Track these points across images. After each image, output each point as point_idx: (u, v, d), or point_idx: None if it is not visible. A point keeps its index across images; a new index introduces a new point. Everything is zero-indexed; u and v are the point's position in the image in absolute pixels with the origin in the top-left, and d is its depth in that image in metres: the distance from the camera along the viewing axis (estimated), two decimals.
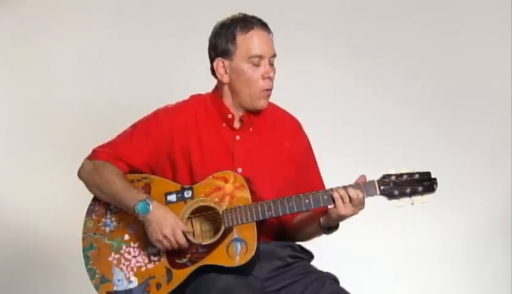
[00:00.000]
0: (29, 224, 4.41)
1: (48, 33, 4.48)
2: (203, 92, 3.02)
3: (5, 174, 4.48)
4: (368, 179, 2.78)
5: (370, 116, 4.55)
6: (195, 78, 4.17)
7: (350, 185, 2.76)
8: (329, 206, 2.80)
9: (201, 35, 4.34)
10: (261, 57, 2.86)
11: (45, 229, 4.39)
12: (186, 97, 3.02)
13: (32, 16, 4.49)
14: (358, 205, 2.76)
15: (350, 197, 2.74)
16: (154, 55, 4.46)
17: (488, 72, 4.52)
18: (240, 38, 2.86)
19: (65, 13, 4.48)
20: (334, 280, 2.84)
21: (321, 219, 2.84)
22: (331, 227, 2.85)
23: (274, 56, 2.90)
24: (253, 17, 2.91)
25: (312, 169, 3.02)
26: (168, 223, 2.77)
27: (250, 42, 2.86)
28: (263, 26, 2.89)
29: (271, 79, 2.88)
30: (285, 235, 2.99)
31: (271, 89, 2.90)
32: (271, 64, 2.89)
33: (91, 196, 2.94)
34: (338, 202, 2.74)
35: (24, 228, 4.42)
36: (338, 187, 2.76)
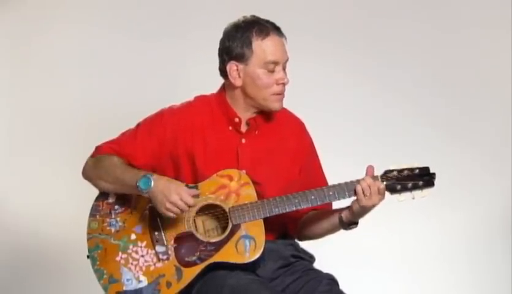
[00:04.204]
0: (29, 227, 4.40)
1: (49, 34, 4.48)
2: (205, 92, 3.01)
3: (5, 175, 4.46)
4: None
5: (370, 116, 4.56)
6: (197, 78, 4.19)
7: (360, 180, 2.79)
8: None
9: (203, 35, 4.38)
10: (276, 63, 2.86)
11: (45, 232, 4.39)
12: (188, 97, 3.01)
13: (32, 16, 4.48)
14: (377, 195, 2.78)
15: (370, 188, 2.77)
16: (156, 55, 4.47)
17: (488, 72, 4.54)
18: (257, 43, 2.85)
19: (66, 13, 4.48)
20: (331, 280, 2.84)
21: (343, 214, 2.86)
22: (351, 223, 2.86)
23: (287, 60, 2.91)
24: (267, 21, 2.90)
25: (316, 170, 3.03)
26: (172, 189, 2.76)
27: (266, 48, 2.85)
28: (278, 30, 2.89)
29: (286, 83, 2.89)
30: (289, 233, 2.99)
31: (283, 92, 2.91)
32: (284, 69, 2.89)
33: (92, 198, 2.92)
34: (360, 195, 2.77)
35: (24, 230, 4.40)
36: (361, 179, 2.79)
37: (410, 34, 4.56)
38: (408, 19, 4.57)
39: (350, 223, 2.87)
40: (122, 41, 4.46)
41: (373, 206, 2.79)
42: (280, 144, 2.95)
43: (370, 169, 2.81)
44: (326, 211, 2.93)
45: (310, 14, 4.55)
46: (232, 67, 2.88)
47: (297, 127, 3.03)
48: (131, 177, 2.80)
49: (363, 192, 2.77)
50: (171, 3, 4.49)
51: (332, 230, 2.94)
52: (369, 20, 4.56)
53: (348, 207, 2.85)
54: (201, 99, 2.99)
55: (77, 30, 4.47)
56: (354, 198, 2.81)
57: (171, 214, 2.77)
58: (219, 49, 2.93)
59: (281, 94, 2.89)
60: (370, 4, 4.57)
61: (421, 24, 4.57)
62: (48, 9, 4.45)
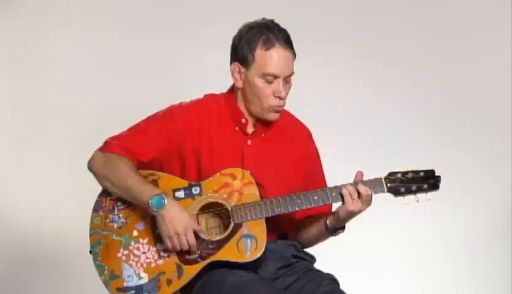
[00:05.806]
0: (29, 226, 4.39)
1: (49, 35, 4.47)
2: (207, 92, 3.01)
3: (6, 175, 4.46)
4: (368, 178, 2.82)
5: (370, 117, 4.56)
6: (198, 79, 4.20)
7: (358, 182, 2.80)
8: (334, 205, 2.85)
9: (205, 36, 4.39)
10: (275, 76, 2.83)
11: (45, 231, 4.38)
12: (189, 97, 3.00)
13: (32, 17, 4.47)
14: (367, 201, 2.80)
15: (359, 193, 2.78)
16: (155, 56, 4.47)
17: (488, 72, 4.54)
18: (259, 52, 2.82)
19: (66, 14, 4.48)
20: (332, 280, 2.84)
21: (328, 220, 2.87)
22: (337, 229, 2.87)
23: (291, 74, 2.86)
24: (280, 31, 2.85)
25: (319, 180, 3.02)
26: (182, 221, 2.75)
27: (268, 60, 2.81)
28: (286, 43, 2.84)
29: (282, 98, 2.85)
30: (287, 237, 3.00)
31: (281, 106, 2.87)
32: (287, 82, 2.86)
33: (92, 197, 2.92)
34: (347, 198, 2.77)
35: (24, 230, 4.40)
36: (346, 184, 2.80)
37: (410, 35, 4.56)
38: (409, 20, 4.57)
39: (335, 229, 2.88)
40: (122, 42, 4.46)
41: (360, 211, 2.80)
42: (285, 150, 2.95)
43: (358, 175, 2.81)
44: (314, 218, 2.94)
45: (310, 15, 4.55)
46: (235, 68, 2.88)
47: (304, 135, 3.02)
48: (144, 192, 2.78)
49: (350, 196, 2.78)
50: (171, 3, 4.50)
51: (320, 236, 2.95)
52: (370, 22, 4.56)
53: (333, 213, 2.86)
54: (210, 97, 2.98)
55: (77, 32, 4.47)
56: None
57: (169, 244, 2.76)
58: (231, 45, 2.91)
59: (279, 107, 2.86)
60: (370, 6, 4.57)
61: (422, 26, 4.57)
62: (49, 10, 4.45)
